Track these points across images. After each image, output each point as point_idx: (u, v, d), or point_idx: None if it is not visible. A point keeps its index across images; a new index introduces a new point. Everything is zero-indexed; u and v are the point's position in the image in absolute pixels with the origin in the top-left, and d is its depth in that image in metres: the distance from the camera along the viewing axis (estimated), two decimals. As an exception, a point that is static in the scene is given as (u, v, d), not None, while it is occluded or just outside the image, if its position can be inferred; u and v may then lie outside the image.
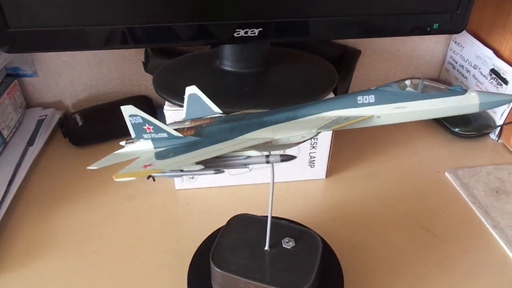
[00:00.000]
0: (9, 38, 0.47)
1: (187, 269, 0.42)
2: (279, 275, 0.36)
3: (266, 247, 0.39)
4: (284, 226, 0.41)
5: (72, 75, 0.69)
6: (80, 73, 0.69)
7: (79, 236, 0.49)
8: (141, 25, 0.48)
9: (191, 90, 0.35)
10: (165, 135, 0.33)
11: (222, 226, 0.41)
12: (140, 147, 0.35)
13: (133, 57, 0.69)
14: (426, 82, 0.30)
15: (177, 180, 0.55)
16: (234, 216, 0.42)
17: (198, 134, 0.34)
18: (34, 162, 0.59)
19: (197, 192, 0.55)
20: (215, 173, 0.31)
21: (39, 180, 0.57)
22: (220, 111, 0.36)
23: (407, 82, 0.31)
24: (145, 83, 0.72)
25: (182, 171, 0.31)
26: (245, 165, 0.32)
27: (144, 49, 0.66)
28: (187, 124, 0.36)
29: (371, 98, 0.31)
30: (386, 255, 0.47)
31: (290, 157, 0.32)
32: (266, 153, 0.32)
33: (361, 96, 0.31)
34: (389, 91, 0.31)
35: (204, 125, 0.35)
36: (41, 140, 0.63)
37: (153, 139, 0.34)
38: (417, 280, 0.44)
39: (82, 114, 0.65)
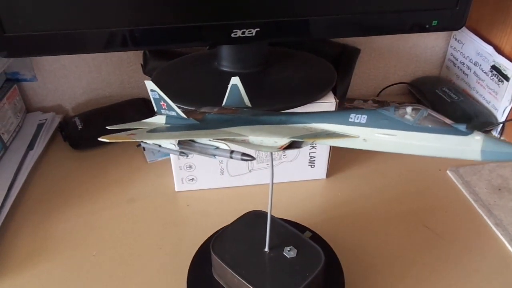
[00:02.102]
0: (6, 43, 0.47)
1: (187, 272, 0.42)
2: (264, 279, 0.36)
3: (266, 249, 0.38)
4: (294, 235, 0.40)
5: (71, 78, 0.69)
6: (79, 77, 0.69)
7: (79, 240, 0.49)
8: (139, 27, 0.48)
9: (234, 80, 0.36)
10: (174, 113, 0.36)
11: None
12: (156, 120, 0.37)
13: (132, 59, 0.69)
14: (428, 113, 0.26)
15: (177, 182, 0.55)
16: (251, 211, 0.42)
17: (202, 120, 0.36)
18: (34, 166, 0.59)
19: (197, 194, 0.55)
20: (180, 155, 0.34)
21: (39, 184, 0.57)
22: (249, 105, 0.37)
23: (408, 108, 0.27)
24: (144, 86, 0.72)
25: (160, 146, 0.34)
26: (213, 155, 0.33)
27: (142, 51, 0.66)
28: (214, 111, 0.37)
29: (363, 118, 0.28)
30: (388, 254, 0.47)
31: (250, 158, 0.31)
32: (234, 148, 0.32)
33: (354, 115, 0.29)
34: (384, 115, 0.28)
35: (211, 113, 0.36)
36: (41, 144, 0.63)
37: (167, 116, 0.37)
38: (419, 279, 0.44)
39: (81, 118, 0.65)
